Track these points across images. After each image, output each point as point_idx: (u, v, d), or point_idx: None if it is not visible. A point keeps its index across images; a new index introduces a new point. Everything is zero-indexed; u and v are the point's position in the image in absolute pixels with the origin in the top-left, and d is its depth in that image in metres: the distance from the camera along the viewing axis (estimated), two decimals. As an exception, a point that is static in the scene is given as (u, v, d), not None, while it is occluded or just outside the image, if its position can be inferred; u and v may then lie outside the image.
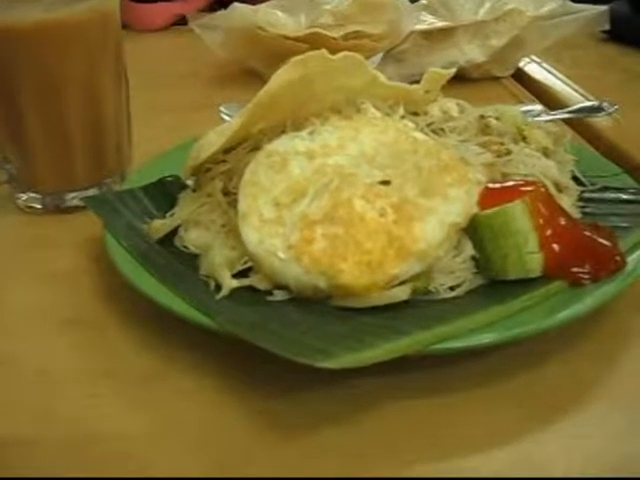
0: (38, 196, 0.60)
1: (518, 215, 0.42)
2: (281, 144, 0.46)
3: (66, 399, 0.40)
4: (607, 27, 0.90)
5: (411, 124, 0.48)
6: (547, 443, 0.36)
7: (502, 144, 0.49)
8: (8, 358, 0.43)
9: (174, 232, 0.49)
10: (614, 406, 0.38)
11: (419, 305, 0.41)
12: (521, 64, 0.94)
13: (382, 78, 0.51)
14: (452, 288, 0.43)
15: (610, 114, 0.67)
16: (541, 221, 0.42)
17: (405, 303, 0.41)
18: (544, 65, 0.96)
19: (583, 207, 0.51)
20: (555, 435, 0.37)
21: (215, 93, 0.89)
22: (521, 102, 0.83)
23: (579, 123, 0.71)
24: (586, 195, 0.52)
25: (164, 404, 0.39)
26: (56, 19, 0.55)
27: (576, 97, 0.84)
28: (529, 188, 0.44)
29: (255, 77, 0.91)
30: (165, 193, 0.53)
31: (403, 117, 0.50)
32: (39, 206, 0.60)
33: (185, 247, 0.47)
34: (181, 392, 0.40)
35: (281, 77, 0.46)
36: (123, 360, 0.42)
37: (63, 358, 0.43)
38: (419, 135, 0.47)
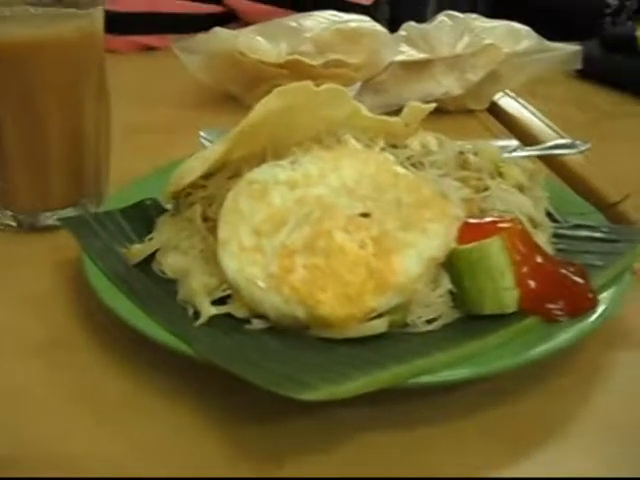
0: (14, 214, 0.59)
1: (495, 251, 0.43)
2: (262, 173, 0.46)
3: (41, 421, 0.40)
4: (580, 66, 0.93)
5: (391, 157, 0.49)
6: (523, 475, 0.37)
7: (480, 179, 0.50)
8: (-20, 379, 0.43)
9: (152, 256, 0.49)
10: (588, 440, 0.39)
11: (396, 338, 0.41)
12: (495, 97, 0.96)
13: (363, 110, 0.52)
14: (429, 321, 0.43)
15: (583, 152, 0.69)
16: (518, 257, 0.43)
17: (382, 335, 0.41)
18: (518, 100, 0.97)
19: (556, 244, 0.52)
20: (530, 468, 0.37)
21: (194, 116, 0.89)
22: (495, 135, 0.85)
23: (552, 160, 0.72)
24: (559, 232, 0.53)
25: (138, 427, 0.39)
26: (39, 38, 0.55)
27: (548, 132, 0.85)
28: (506, 225, 0.45)
29: (234, 101, 0.91)
30: (144, 216, 0.53)
31: (383, 149, 0.51)
32: (14, 224, 0.59)
33: (162, 272, 0.47)
34: (155, 416, 0.40)
35: (265, 106, 0.46)
36: (98, 383, 0.42)
37: (38, 380, 0.43)
38: (400, 169, 0.47)
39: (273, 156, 0.49)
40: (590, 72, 1.03)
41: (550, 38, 0.93)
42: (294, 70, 0.85)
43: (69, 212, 0.59)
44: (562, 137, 0.81)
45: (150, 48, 1.25)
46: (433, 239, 0.43)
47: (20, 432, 0.39)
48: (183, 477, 0.36)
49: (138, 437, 0.38)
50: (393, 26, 0.95)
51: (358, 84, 0.88)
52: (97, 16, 0.58)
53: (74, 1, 0.60)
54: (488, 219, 0.46)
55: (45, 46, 0.55)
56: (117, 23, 1.06)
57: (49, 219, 0.59)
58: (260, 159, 0.50)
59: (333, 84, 0.49)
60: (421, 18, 0.98)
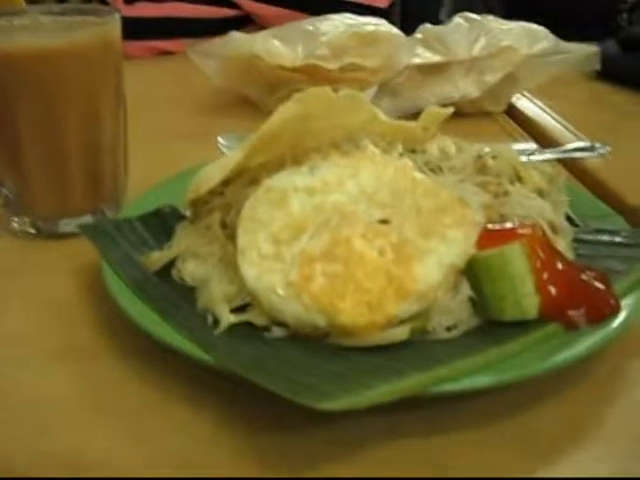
0: (32, 221, 0.60)
1: (515, 258, 0.43)
2: (281, 180, 0.46)
3: (61, 430, 0.40)
4: (598, 67, 0.92)
5: (410, 162, 0.49)
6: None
7: (499, 184, 0.50)
8: (1, 387, 0.43)
9: (171, 263, 0.49)
10: (608, 448, 0.39)
11: (416, 345, 0.41)
12: (513, 99, 0.96)
13: (381, 115, 0.52)
14: (449, 328, 0.43)
15: (602, 155, 0.68)
16: (538, 264, 0.43)
17: (403, 343, 0.41)
18: (535, 101, 0.97)
19: (577, 248, 0.51)
20: (552, 476, 0.37)
21: (210, 121, 0.89)
22: (513, 138, 0.84)
23: (570, 162, 0.72)
24: (579, 236, 0.52)
25: (159, 436, 0.39)
26: (58, 46, 0.55)
27: (566, 134, 0.85)
28: (526, 231, 0.44)
29: (251, 105, 0.92)
30: (162, 223, 0.54)
31: (401, 155, 0.51)
32: (33, 231, 0.60)
33: (182, 279, 0.47)
34: (176, 425, 0.40)
35: (283, 113, 0.46)
36: (118, 391, 0.42)
37: (57, 388, 0.43)
38: (418, 175, 0.47)
39: (292, 162, 0.49)
40: (608, 72, 1.03)
41: (566, 36, 0.92)
42: (311, 74, 0.85)
43: (87, 219, 0.60)
44: (580, 139, 0.81)
45: (165, 53, 1.26)
46: (453, 246, 0.43)
47: (40, 440, 0.39)
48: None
49: (158, 446, 0.38)
50: (405, 25, 0.95)
51: (375, 87, 0.87)
52: (114, 23, 0.58)
53: (89, 9, 0.61)
54: (508, 225, 0.46)
55: (63, 55, 0.55)
56: (131, 29, 1.06)
57: (67, 226, 0.59)
58: (279, 165, 0.49)
59: (351, 90, 0.48)
60: (434, 17, 0.98)
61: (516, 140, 0.83)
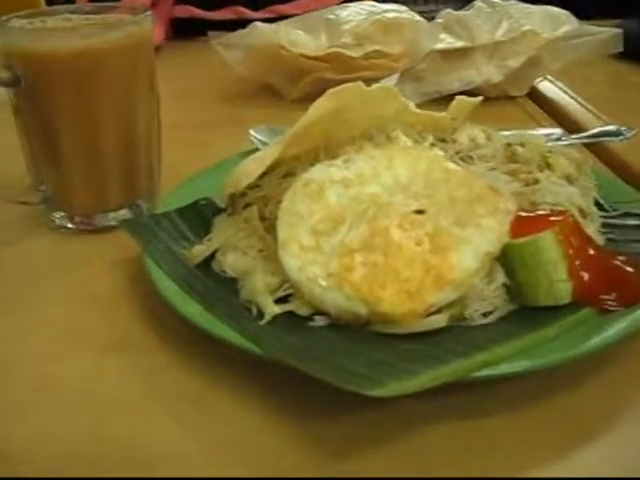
0: (71, 216, 0.61)
1: (548, 245, 0.44)
2: (317, 173, 0.48)
3: (116, 422, 0.41)
4: (621, 49, 0.92)
5: (442, 153, 0.50)
6: (587, 462, 0.38)
7: (529, 172, 0.51)
8: (53, 381, 0.44)
9: (210, 255, 0.50)
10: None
11: (454, 332, 0.43)
12: (535, 83, 0.96)
13: (411, 106, 0.53)
14: (485, 314, 0.44)
15: (628, 139, 0.69)
16: (570, 250, 0.44)
17: (440, 329, 0.42)
18: (557, 84, 0.97)
19: (605, 233, 0.52)
20: (591, 457, 0.38)
21: (235, 110, 0.90)
22: (536, 121, 0.85)
23: (596, 146, 0.72)
24: (608, 221, 0.53)
25: (212, 426, 0.40)
26: (92, 46, 0.56)
27: (590, 117, 0.85)
28: (558, 218, 0.46)
29: (274, 93, 0.93)
30: (199, 216, 0.55)
31: (433, 145, 0.52)
32: (72, 226, 0.61)
33: (223, 271, 0.49)
34: (225, 413, 0.41)
35: (318, 109, 0.48)
36: (169, 383, 0.43)
37: (108, 381, 0.44)
38: (451, 165, 0.48)
39: (325, 154, 0.50)
40: (630, 52, 1.02)
41: (588, 13, 0.93)
42: (335, 62, 0.86)
43: (124, 213, 0.61)
44: (604, 121, 0.81)
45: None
46: (487, 234, 0.44)
47: (96, 433, 0.40)
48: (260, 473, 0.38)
49: (213, 436, 0.40)
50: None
51: (397, 74, 0.88)
52: (146, 22, 0.59)
53: (122, 7, 0.62)
54: (540, 212, 0.47)
55: (99, 55, 0.56)
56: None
57: (105, 220, 0.61)
58: (312, 157, 0.51)
59: (382, 84, 0.50)
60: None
61: (539, 123, 0.84)
